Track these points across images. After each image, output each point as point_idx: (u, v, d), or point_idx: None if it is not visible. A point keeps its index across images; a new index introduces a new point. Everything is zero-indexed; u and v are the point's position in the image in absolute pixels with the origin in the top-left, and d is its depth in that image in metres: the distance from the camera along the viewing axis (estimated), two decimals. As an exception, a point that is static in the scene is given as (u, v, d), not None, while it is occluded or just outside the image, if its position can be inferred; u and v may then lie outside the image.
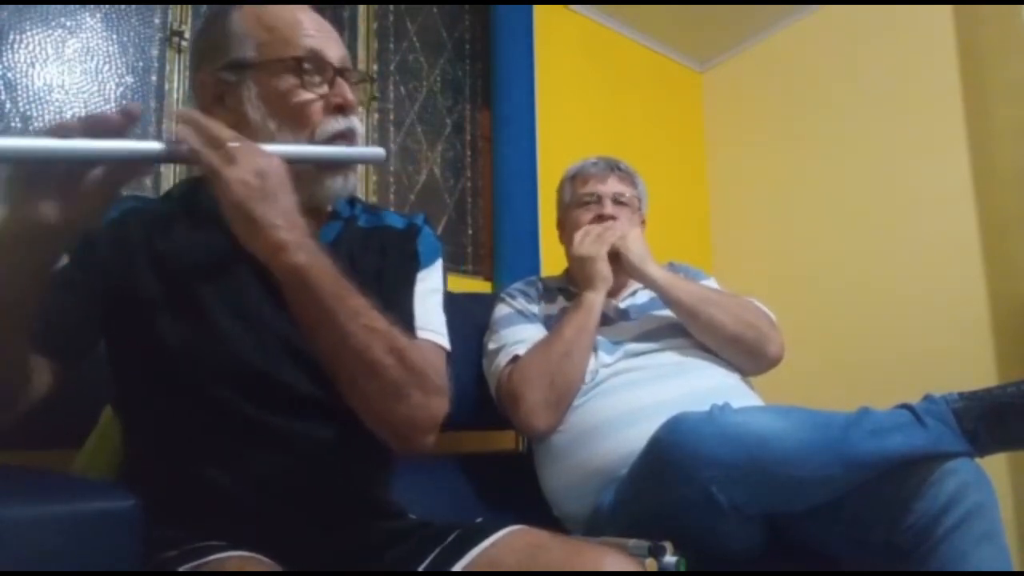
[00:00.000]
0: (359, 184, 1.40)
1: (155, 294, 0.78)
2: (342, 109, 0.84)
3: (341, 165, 0.85)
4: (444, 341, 0.89)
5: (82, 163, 0.62)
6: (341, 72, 0.85)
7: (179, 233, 0.82)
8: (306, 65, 0.83)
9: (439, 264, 0.95)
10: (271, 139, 0.79)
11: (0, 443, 0.77)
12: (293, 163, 0.75)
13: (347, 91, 0.85)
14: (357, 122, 0.86)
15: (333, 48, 0.85)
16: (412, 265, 0.92)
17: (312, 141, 0.82)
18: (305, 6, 0.88)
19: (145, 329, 0.77)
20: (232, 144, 0.68)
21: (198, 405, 0.77)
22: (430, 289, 0.92)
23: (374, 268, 0.86)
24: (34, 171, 0.61)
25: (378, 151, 0.89)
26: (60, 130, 0.60)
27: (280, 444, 0.78)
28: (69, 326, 0.73)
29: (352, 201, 0.95)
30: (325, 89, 0.84)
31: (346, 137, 0.85)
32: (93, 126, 0.61)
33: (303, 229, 0.72)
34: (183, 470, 0.77)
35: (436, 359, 0.85)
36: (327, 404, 0.80)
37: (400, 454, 0.85)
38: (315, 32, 0.85)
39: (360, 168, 1.33)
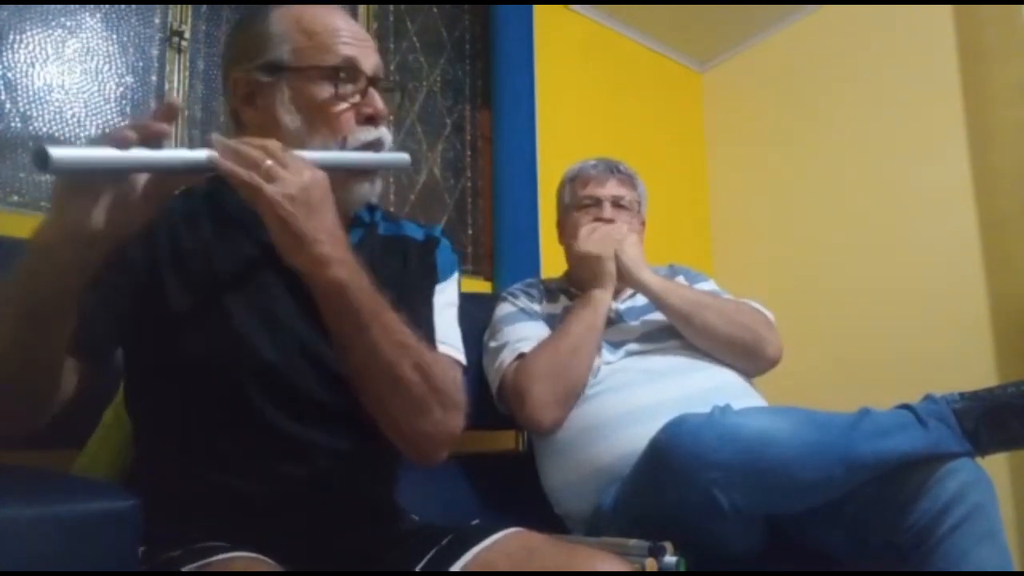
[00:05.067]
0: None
1: (180, 296, 0.78)
2: (373, 119, 0.85)
3: (367, 171, 0.85)
4: (461, 356, 0.90)
5: (137, 172, 0.63)
6: (374, 82, 0.85)
7: (205, 233, 0.81)
8: (342, 74, 0.83)
9: (455, 278, 0.97)
10: (301, 143, 0.79)
11: (0, 443, 0.76)
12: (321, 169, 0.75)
13: (378, 101, 0.85)
14: (387, 132, 0.87)
15: (368, 57, 0.86)
16: (431, 278, 0.93)
17: (343, 149, 0.83)
18: (340, 10, 0.88)
19: (169, 330, 0.77)
20: (268, 163, 0.68)
21: (217, 409, 0.77)
22: (447, 303, 0.93)
23: (394, 278, 0.87)
24: (85, 178, 0.61)
25: (403, 156, 0.89)
26: (118, 141, 0.60)
27: (296, 451, 0.78)
28: (98, 326, 0.73)
29: (371, 207, 0.95)
30: (358, 98, 0.84)
31: (375, 147, 0.85)
32: (147, 134, 0.62)
33: (344, 244, 0.72)
34: (195, 472, 0.77)
35: (455, 374, 0.86)
36: (346, 414, 0.81)
37: (415, 464, 0.86)
38: (352, 40, 0.85)
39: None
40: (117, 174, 0.62)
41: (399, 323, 0.76)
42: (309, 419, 0.79)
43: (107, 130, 0.65)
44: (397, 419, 0.79)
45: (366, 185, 0.85)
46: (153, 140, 0.62)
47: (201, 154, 0.66)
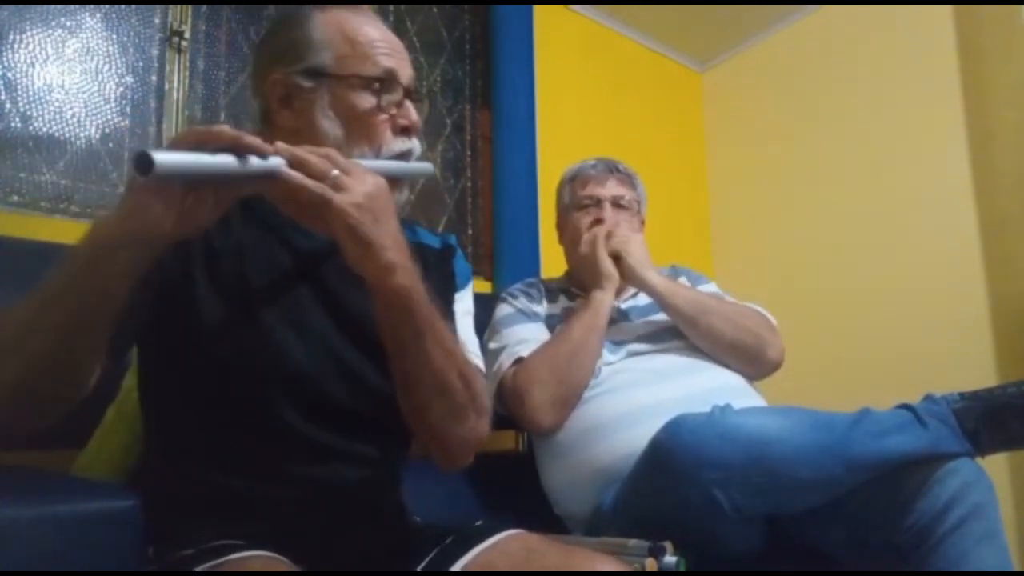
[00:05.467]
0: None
1: (211, 297, 0.77)
2: (407, 131, 0.86)
3: (398, 180, 0.85)
4: (482, 363, 0.92)
5: (220, 178, 0.63)
6: (409, 93, 0.87)
7: (235, 233, 0.81)
8: (382, 85, 0.84)
9: (471, 286, 0.98)
10: (339, 151, 0.78)
11: (1, 443, 0.76)
12: None
13: (413, 113, 0.86)
14: (417, 143, 0.88)
15: (405, 68, 0.87)
16: (451, 287, 0.94)
17: (376, 158, 0.83)
18: (376, 19, 0.89)
19: (197, 331, 0.77)
20: (335, 172, 0.67)
21: (238, 411, 0.77)
22: (465, 311, 0.95)
23: None
24: (164, 181, 0.60)
25: (427, 166, 0.90)
26: (212, 145, 0.60)
27: (315, 455, 0.79)
28: (129, 327, 0.72)
29: None
30: (395, 109, 0.85)
31: (406, 158, 0.86)
32: (240, 145, 0.62)
33: (407, 251, 0.72)
34: (210, 473, 0.77)
35: (483, 382, 0.87)
36: (367, 420, 0.81)
37: (443, 468, 0.87)
38: (390, 51, 0.86)
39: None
40: (205, 179, 0.62)
41: (448, 331, 0.78)
42: (331, 424, 0.80)
43: (197, 131, 0.64)
44: (435, 425, 0.80)
45: (395, 194, 0.84)
46: (243, 150, 0.62)
47: (272, 162, 0.66)
